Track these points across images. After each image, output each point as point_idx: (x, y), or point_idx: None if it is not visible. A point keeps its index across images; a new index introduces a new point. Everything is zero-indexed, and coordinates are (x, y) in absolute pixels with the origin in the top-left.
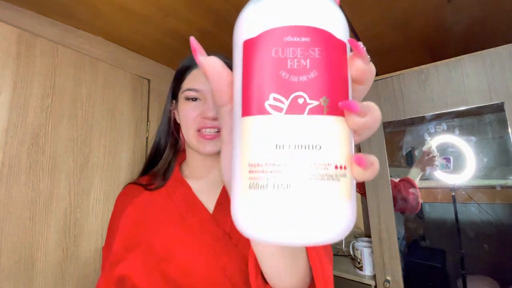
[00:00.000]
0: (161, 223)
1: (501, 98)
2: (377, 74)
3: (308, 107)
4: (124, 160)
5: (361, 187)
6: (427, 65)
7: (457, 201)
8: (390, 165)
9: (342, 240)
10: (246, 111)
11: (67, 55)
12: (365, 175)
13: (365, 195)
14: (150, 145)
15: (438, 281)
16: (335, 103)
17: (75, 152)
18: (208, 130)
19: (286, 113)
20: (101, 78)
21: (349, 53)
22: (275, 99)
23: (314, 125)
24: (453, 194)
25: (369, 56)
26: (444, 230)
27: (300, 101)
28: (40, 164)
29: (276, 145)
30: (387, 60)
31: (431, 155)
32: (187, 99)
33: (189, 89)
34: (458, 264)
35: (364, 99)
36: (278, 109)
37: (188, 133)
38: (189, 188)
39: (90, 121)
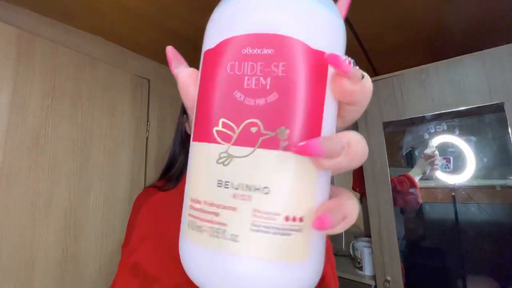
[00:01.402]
0: (172, 216)
1: (501, 98)
2: (377, 74)
3: (261, 138)
4: (124, 160)
5: (361, 187)
6: (427, 65)
7: (457, 201)
8: (390, 165)
9: (342, 240)
10: (195, 136)
11: (67, 55)
12: (333, 231)
13: (365, 195)
14: (150, 145)
15: (438, 281)
16: (297, 135)
17: (75, 152)
18: None
19: (234, 143)
20: (101, 78)
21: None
22: (224, 125)
23: (264, 161)
24: (453, 194)
25: (362, 73)
26: (444, 230)
27: (253, 130)
28: (40, 164)
29: (218, 182)
30: (387, 60)
31: (432, 159)
32: None
33: None
34: (458, 264)
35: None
36: (226, 138)
37: None
38: None
39: (90, 121)
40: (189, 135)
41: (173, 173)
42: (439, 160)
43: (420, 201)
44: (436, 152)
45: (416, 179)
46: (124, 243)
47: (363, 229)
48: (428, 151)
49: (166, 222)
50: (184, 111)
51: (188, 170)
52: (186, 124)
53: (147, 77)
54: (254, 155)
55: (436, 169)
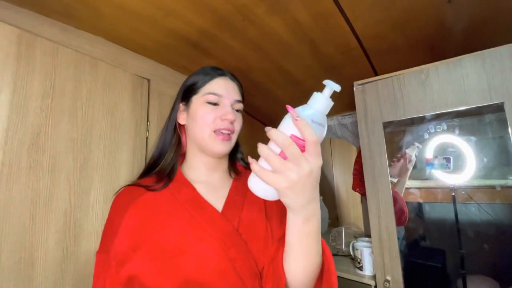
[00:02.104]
0: (168, 221)
1: (501, 98)
2: (377, 74)
3: None
4: (124, 160)
5: (361, 187)
6: (427, 65)
7: (457, 201)
8: (390, 165)
9: (342, 240)
10: None
11: (67, 55)
12: None
13: (365, 195)
14: (150, 145)
15: (438, 281)
16: None
17: (75, 152)
18: (225, 130)
19: None
20: (101, 78)
21: None
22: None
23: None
24: (453, 194)
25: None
26: (444, 230)
27: None
28: (40, 164)
29: None
30: (387, 60)
31: (401, 161)
32: (208, 102)
33: (212, 93)
34: (458, 264)
35: (369, 98)
36: None
37: (203, 133)
38: (193, 188)
39: (90, 121)
40: (181, 125)
41: (163, 168)
42: (411, 161)
43: (406, 217)
44: (411, 153)
45: (402, 191)
46: (101, 249)
47: (363, 229)
48: (409, 150)
49: (162, 228)
50: (183, 98)
51: None
52: (185, 114)
53: (147, 77)
54: None
55: (407, 169)
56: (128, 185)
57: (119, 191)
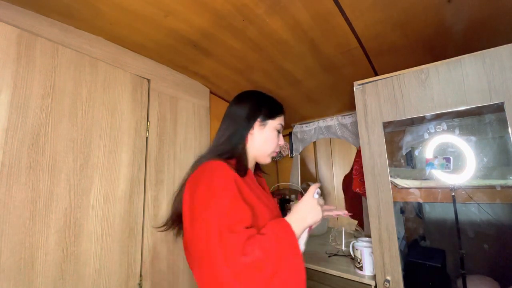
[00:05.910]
0: (249, 190)
1: (501, 98)
2: (377, 74)
3: None
4: (124, 160)
5: (361, 187)
6: (427, 65)
7: (457, 201)
8: (390, 165)
9: (342, 240)
10: None
11: (67, 55)
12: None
13: (365, 195)
14: (150, 145)
15: (438, 281)
16: None
17: (75, 152)
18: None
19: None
20: (101, 78)
21: None
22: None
23: None
24: (453, 194)
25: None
26: (444, 230)
27: None
28: (40, 164)
29: None
30: (387, 60)
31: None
32: (277, 131)
33: (281, 124)
34: (458, 264)
35: (369, 98)
36: None
37: (267, 151)
38: (253, 177)
39: (90, 121)
40: (247, 140)
41: (240, 160)
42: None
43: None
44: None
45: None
46: (230, 193)
47: (363, 229)
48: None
49: (246, 193)
50: (249, 121)
51: None
52: (253, 131)
53: (147, 77)
54: None
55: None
56: (222, 161)
57: (215, 161)
